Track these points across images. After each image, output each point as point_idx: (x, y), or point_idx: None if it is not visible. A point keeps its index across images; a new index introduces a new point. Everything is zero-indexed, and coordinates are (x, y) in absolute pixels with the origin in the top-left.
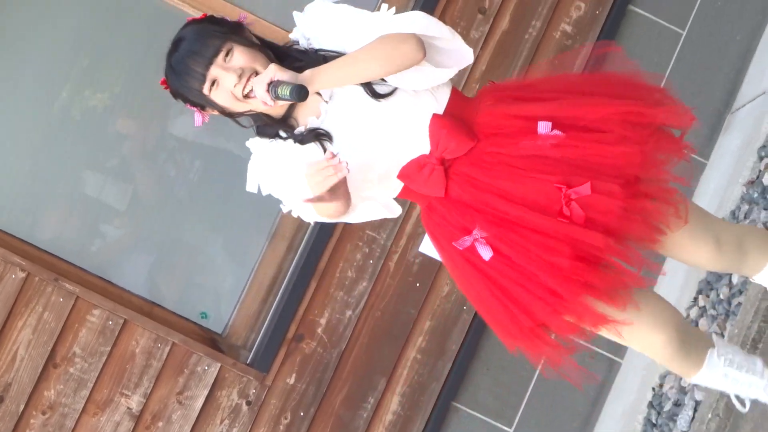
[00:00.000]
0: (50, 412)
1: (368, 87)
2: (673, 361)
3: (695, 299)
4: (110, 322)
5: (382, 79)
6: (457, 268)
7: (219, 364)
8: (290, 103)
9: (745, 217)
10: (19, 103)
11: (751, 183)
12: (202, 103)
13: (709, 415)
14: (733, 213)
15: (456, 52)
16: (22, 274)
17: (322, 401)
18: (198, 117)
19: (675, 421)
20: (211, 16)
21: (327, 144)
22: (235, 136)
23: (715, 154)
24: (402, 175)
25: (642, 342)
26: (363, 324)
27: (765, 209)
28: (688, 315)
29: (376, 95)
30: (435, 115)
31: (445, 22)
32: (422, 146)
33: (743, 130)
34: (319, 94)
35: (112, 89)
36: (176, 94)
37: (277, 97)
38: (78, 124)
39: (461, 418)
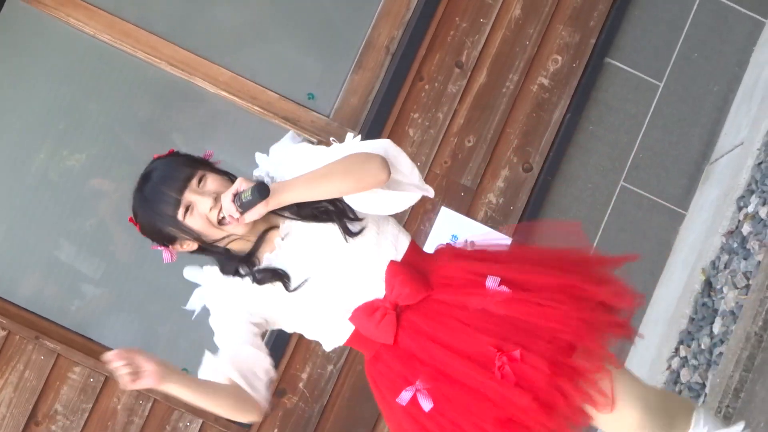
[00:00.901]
0: None
1: (342, 224)
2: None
3: (676, 350)
4: (92, 380)
5: (351, 217)
6: (396, 420)
7: (201, 421)
8: (257, 233)
9: (725, 267)
10: None
11: (730, 233)
12: (174, 234)
13: None
14: (713, 263)
15: (416, 184)
16: (3, 333)
17: None
18: (166, 255)
19: None
20: (177, 152)
21: (281, 283)
22: None
23: (694, 205)
24: (354, 317)
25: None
26: (344, 378)
27: (744, 259)
28: (669, 366)
29: (349, 233)
30: (392, 262)
31: (422, 76)
32: (377, 290)
33: (722, 181)
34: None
35: (89, 150)
36: (147, 227)
37: (242, 206)
38: (55, 184)
39: None
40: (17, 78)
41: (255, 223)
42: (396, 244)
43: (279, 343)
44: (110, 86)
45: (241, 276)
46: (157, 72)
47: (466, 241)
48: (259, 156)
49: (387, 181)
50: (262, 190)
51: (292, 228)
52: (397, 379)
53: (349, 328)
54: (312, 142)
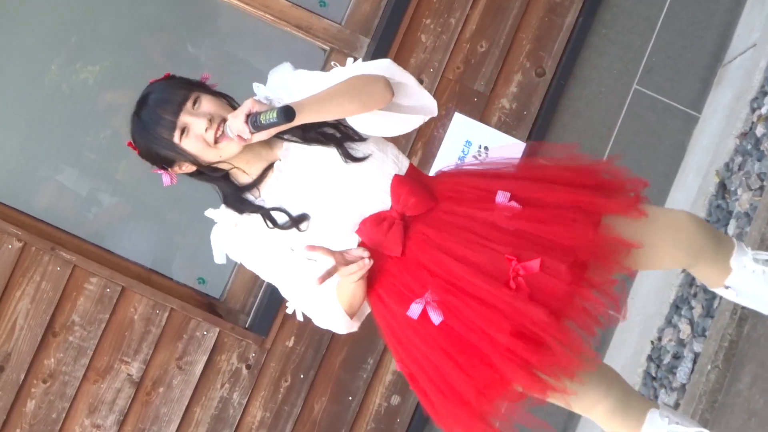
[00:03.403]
0: (51, 381)
1: (342, 149)
2: (613, 422)
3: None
4: (108, 290)
5: (356, 138)
6: (402, 334)
7: (218, 329)
8: (259, 168)
9: (739, 169)
10: (11, 77)
11: (744, 135)
12: (172, 157)
13: (709, 367)
14: (726, 165)
15: (421, 101)
16: (19, 244)
17: (322, 363)
18: (166, 177)
19: (674, 374)
20: (173, 75)
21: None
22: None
23: (708, 107)
24: (361, 228)
25: (585, 409)
26: None
27: (758, 161)
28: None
29: (351, 158)
30: (396, 175)
31: None
32: (383, 204)
33: (735, 83)
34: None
35: (102, 62)
36: (145, 151)
37: (259, 127)
38: (69, 96)
39: None
40: None
41: (255, 154)
42: (398, 162)
43: None
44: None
45: (249, 212)
46: None
47: (480, 146)
48: (257, 86)
49: (391, 100)
50: (288, 113)
51: (291, 150)
52: (406, 292)
53: (355, 243)
54: (324, 50)
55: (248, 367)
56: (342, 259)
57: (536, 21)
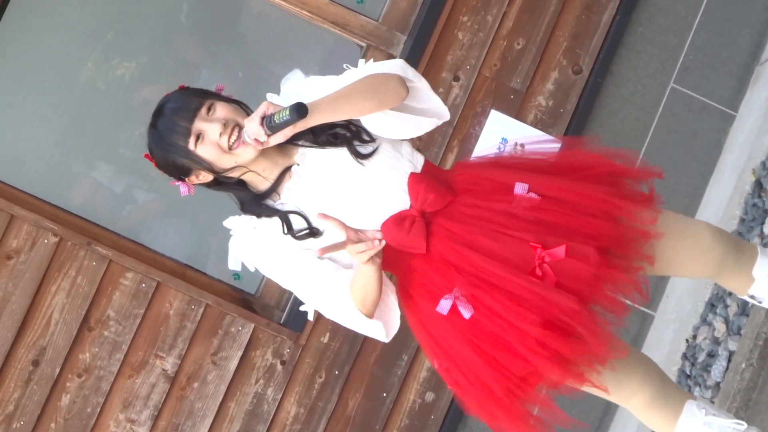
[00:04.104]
0: (86, 375)
1: (351, 148)
2: (651, 412)
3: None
4: (143, 285)
5: (365, 139)
6: (435, 331)
7: (253, 325)
8: (275, 172)
9: None
10: (48, 74)
11: None
12: (188, 165)
13: (744, 365)
14: (763, 164)
15: (432, 105)
16: (55, 239)
17: (356, 359)
18: (183, 188)
19: (709, 372)
20: (187, 87)
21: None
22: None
23: (744, 106)
24: (383, 229)
25: (624, 399)
26: None
27: None
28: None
29: (360, 156)
30: (412, 173)
31: None
32: (402, 203)
33: None
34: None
35: (139, 59)
36: (162, 161)
37: (274, 127)
38: (105, 93)
39: None
40: None
41: (271, 161)
42: (412, 160)
43: None
44: None
45: (267, 215)
46: None
47: (515, 143)
48: (270, 95)
49: (406, 97)
50: (300, 110)
51: (306, 155)
52: (434, 289)
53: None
54: (361, 47)
55: (283, 362)
56: (354, 236)
57: (573, 19)
